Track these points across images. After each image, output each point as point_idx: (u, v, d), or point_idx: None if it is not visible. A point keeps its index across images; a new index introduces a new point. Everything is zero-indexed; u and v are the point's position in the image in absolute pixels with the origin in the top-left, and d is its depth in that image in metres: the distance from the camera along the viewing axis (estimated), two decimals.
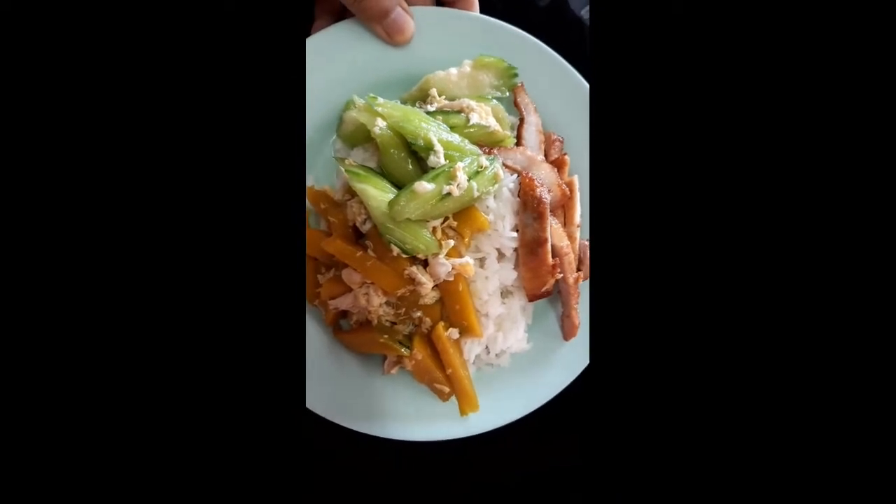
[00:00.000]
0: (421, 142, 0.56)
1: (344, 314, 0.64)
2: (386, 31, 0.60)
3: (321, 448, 0.66)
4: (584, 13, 0.75)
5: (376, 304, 0.59)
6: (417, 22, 0.61)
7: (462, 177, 0.54)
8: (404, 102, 0.63)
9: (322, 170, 0.65)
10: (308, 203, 0.63)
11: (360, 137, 0.62)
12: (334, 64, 0.62)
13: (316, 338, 0.63)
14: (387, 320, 0.61)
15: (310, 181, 0.64)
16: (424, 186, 0.53)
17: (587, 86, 0.63)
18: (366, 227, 0.59)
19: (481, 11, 0.64)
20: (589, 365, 0.64)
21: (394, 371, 0.63)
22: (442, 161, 0.55)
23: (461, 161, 0.55)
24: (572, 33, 0.74)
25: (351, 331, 0.64)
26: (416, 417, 0.63)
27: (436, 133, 0.56)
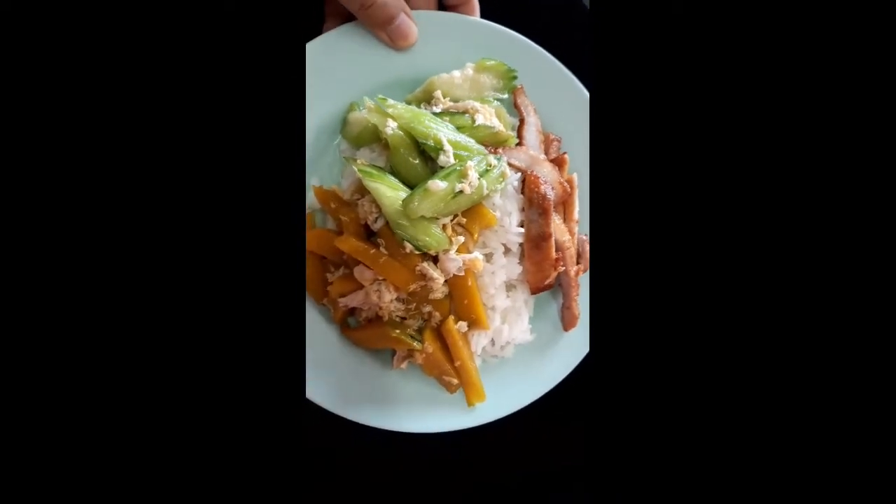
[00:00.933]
0: (431, 142, 0.58)
1: (352, 312, 0.65)
2: (390, 36, 0.62)
3: (322, 446, 0.67)
4: None
5: (388, 300, 0.61)
6: (420, 26, 0.63)
7: (473, 175, 0.56)
8: (408, 104, 0.64)
9: (327, 170, 0.66)
10: (316, 203, 0.64)
11: (366, 138, 0.64)
12: (338, 66, 0.64)
13: (324, 336, 0.64)
14: (397, 316, 0.63)
15: (315, 181, 0.65)
16: (438, 185, 0.55)
17: (582, 87, 0.67)
18: (377, 225, 0.60)
19: (488, 7, 0.66)
20: (589, 362, 0.67)
21: (403, 365, 0.65)
22: (451, 160, 0.58)
23: (471, 160, 0.57)
24: (581, 28, 0.75)
25: (360, 328, 0.65)
26: (425, 410, 0.65)
27: (445, 133, 0.58)
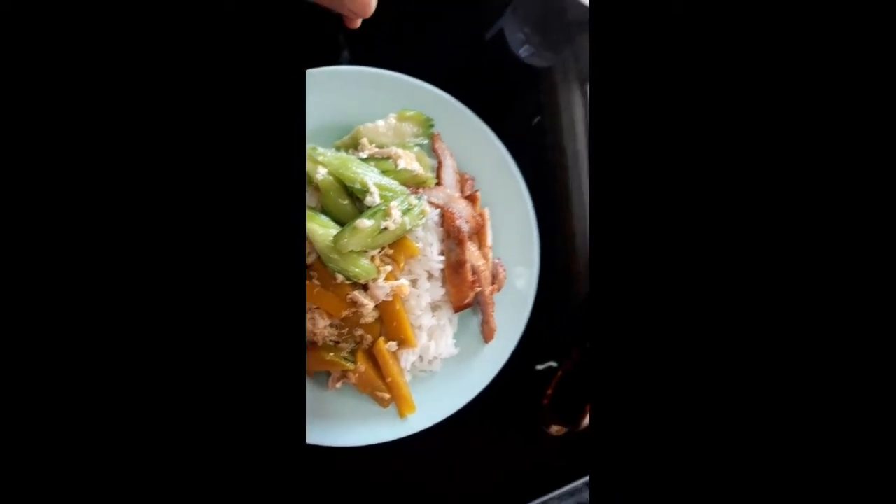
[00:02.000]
0: (358, 185, 0.65)
1: None
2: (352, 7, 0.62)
3: (321, 447, 0.68)
4: (523, 52, 0.86)
5: (321, 326, 0.67)
6: (348, 80, 0.72)
7: (396, 213, 0.64)
8: (337, 148, 0.72)
9: None
10: None
11: None
12: None
13: None
14: (331, 340, 0.69)
15: None
16: (364, 223, 0.63)
17: (489, 130, 0.77)
18: (310, 260, 0.67)
19: (431, 51, 0.75)
20: (589, 360, 0.74)
21: (338, 385, 0.71)
22: (377, 200, 0.65)
23: (394, 200, 0.66)
24: (514, 69, 0.84)
25: None
26: (361, 424, 0.71)
27: (371, 177, 0.66)
